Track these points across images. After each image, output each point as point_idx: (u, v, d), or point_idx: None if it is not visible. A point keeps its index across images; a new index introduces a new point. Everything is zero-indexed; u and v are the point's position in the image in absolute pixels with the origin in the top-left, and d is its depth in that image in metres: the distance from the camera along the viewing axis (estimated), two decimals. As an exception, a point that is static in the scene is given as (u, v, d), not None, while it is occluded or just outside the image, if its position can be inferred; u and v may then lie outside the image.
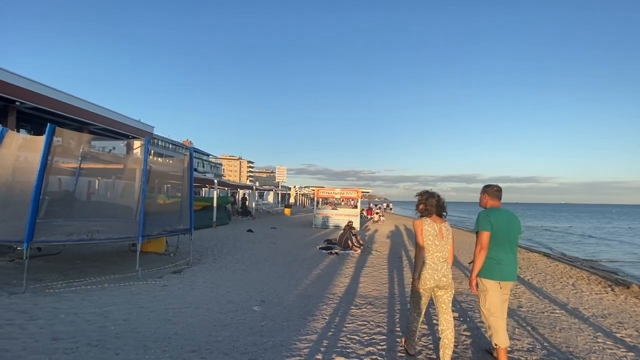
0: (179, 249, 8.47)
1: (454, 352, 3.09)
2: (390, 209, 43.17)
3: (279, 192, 37.28)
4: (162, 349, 3.26)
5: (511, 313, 4.96)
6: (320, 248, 10.17)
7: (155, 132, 30.73)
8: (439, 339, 3.11)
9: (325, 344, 3.54)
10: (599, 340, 4.32)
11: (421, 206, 3.14)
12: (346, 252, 9.66)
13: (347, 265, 8.05)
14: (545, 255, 13.84)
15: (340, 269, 7.53)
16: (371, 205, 33.79)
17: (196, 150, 64.86)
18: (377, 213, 24.64)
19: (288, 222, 19.86)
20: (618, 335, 4.63)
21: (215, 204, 14.77)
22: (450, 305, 3.10)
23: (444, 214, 3.14)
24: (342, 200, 23.65)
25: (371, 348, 3.48)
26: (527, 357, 3.42)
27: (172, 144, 59.01)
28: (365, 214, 26.99)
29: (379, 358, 3.27)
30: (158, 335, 3.60)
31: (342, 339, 3.71)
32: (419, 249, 3.04)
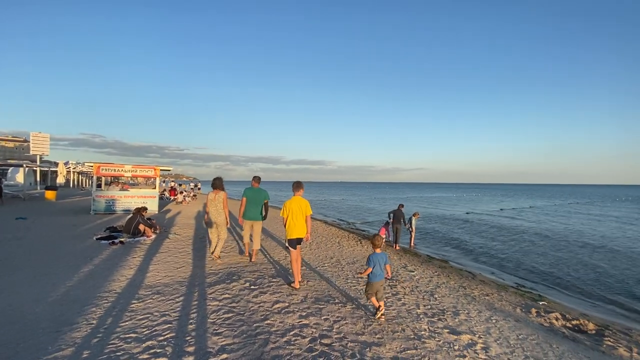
0: None
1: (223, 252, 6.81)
2: (199, 188, 41.07)
3: (37, 168, 27.40)
4: None
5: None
6: (98, 238, 8.21)
7: None
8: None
9: (85, 356, 2.83)
10: (348, 280, 5.79)
11: (212, 185, 6.25)
12: (136, 239, 8.29)
13: (134, 254, 6.90)
14: (324, 222, 17.30)
15: (125, 260, 6.36)
16: (175, 185, 30.84)
17: None
18: (181, 193, 22.75)
19: (51, 209, 14.89)
20: (360, 275, 6.38)
21: None
22: (224, 234, 6.29)
23: (222, 186, 6.27)
24: (145, 180, 20.14)
25: (151, 342, 3.09)
26: (301, 306, 4.08)
27: None
28: (168, 195, 24.38)
29: (158, 350, 2.95)
30: None
31: (112, 342, 3.09)
32: (206, 207, 6.22)
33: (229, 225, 6.47)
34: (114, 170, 13.68)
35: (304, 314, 3.91)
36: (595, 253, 11.86)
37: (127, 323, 3.53)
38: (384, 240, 4.23)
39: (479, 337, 3.97)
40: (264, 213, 6.37)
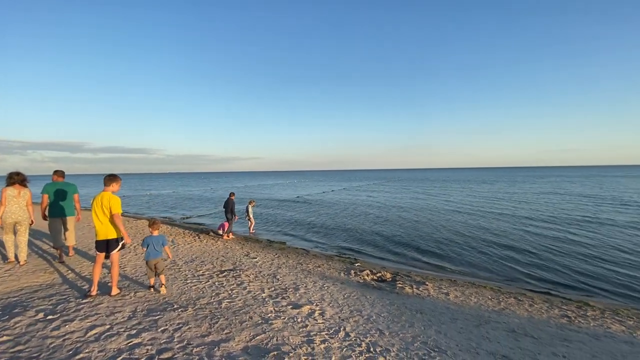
0: None
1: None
2: None
3: None
4: None
5: (122, 279, 4.76)
6: None
7: None
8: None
9: None
10: (188, 280, 5.29)
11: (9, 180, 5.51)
12: None
13: None
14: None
15: None
16: None
17: None
18: None
19: None
20: (201, 271, 5.94)
21: None
22: (25, 235, 5.68)
23: (26, 183, 5.65)
24: None
25: None
26: (129, 324, 3.38)
27: None
28: None
29: None
30: None
31: None
32: (1, 204, 5.36)
33: (33, 225, 5.95)
34: None
35: (133, 332, 3.26)
36: (378, 218, 15.82)
37: None
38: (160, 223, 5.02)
39: (316, 305, 4.52)
40: (76, 209, 6.15)
